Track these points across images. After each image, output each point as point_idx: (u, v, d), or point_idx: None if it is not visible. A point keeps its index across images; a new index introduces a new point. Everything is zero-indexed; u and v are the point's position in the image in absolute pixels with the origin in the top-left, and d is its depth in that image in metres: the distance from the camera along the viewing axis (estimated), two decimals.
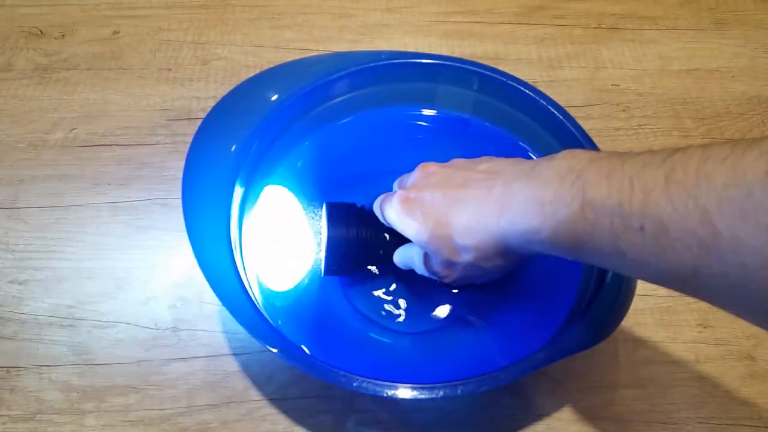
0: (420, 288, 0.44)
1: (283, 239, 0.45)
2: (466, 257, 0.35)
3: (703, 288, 0.24)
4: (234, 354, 0.44)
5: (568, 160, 0.29)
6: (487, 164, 0.35)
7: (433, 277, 0.39)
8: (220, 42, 0.61)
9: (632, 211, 0.25)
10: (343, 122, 0.49)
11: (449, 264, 0.36)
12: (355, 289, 0.44)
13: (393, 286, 0.44)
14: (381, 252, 0.42)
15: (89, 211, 0.50)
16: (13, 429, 0.40)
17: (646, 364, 0.44)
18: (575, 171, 0.28)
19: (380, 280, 0.44)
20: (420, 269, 0.40)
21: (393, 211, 0.37)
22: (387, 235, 0.41)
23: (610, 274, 0.38)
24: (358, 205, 0.43)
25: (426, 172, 0.38)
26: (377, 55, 0.46)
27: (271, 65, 0.45)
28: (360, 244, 0.41)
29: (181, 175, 0.40)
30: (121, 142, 0.54)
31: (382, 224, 0.41)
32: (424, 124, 0.50)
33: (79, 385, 0.42)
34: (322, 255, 0.41)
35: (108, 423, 0.41)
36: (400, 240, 0.40)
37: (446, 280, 0.38)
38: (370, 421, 0.41)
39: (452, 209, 0.34)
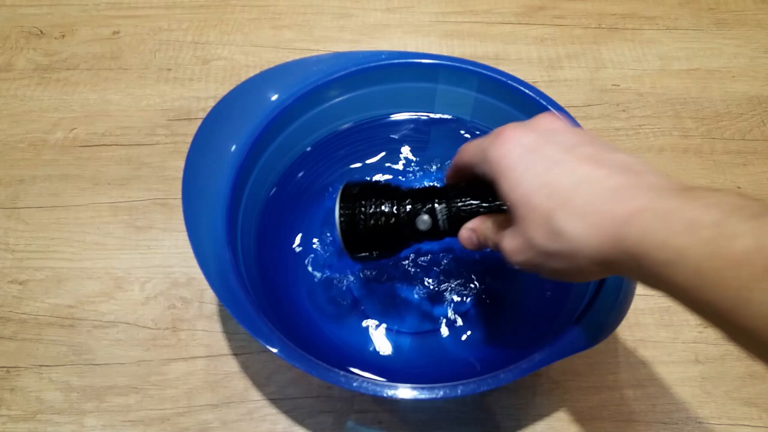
0: (421, 288, 0.44)
1: (282, 238, 0.45)
2: (555, 245, 0.28)
3: None
4: (234, 354, 0.44)
5: (733, 197, 0.24)
6: (623, 156, 0.28)
7: (496, 250, 0.32)
8: (220, 42, 0.61)
9: None
10: (343, 122, 0.49)
11: (528, 243, 0.29)
12: (356, 289, 0.44)
13: (395, 286, 0.44)
14: (407, 234, 0.37)
15: (89, 211, 0.50)
16: (13, 429, 0.40)
17: (646, 364, 0.44)
18: (748, 209, 0.23)
19: (382, 280, 0.44)
20: (492, 236, 0.32)
21: (503, 147, 0.29)
22: (410, 207, 0.36)
23: None
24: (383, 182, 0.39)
25: (552, 124, 0.31)
26: (377, 55, 0.46)
27: (271, 65, 0.45)
28: (383, 224, 0.36)
29: (181, 175, 0.40)
30: (121, 142, 0.54)
31: (406, 202, 0.36)
32: (423, 124, 0.50)
33: (79, 385, 0.42)
34: (341, 237, 0.37)
35: (108, 423, 0.41)
36: (426, 221, 0.35)
37: (515, 258, 0.30)
38: (370, 421, 0.41)
39: (574, 181, 0.27)
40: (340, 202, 0.37)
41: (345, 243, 0.37)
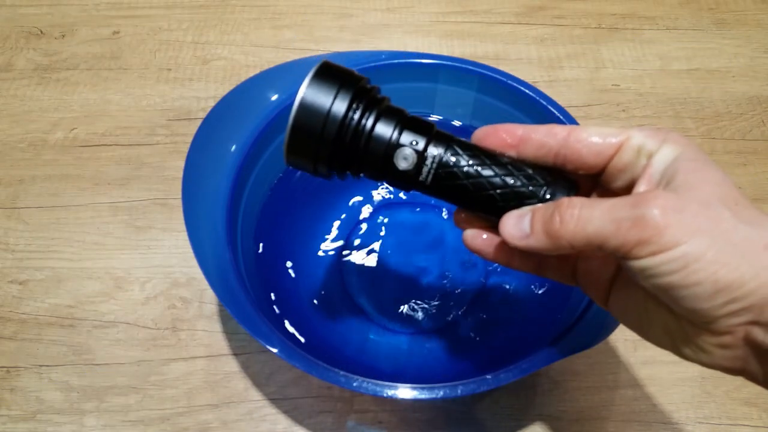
0: (422, 287, 0.44)
1: (283, 238, 0.45)
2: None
3: None
4: (234, 354, 0.44)
5: None
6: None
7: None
8: (220, 42, 0.61)
9: None
10: None
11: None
12: (356, 290, 0.44)
13: (395, 287, 0.44)
14: (378, 165, 0.28)
15: (89, 211, 0.50)
16: (13, 429, 0.40)
17: (646, 364, 0.44)
18: None
19: (382, 281, 0.44)
20: (620, 246, 0.23)
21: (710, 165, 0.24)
22: (396, 133, 0.28)
23: None
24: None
25: (697, 151, 0.25)
26: (377, 55, 0.46)
27: (271, 65, 0.45)
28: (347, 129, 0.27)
29: (181, 175, 0.40)
30: (121, 142, 0.54)
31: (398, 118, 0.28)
32: None
33: (79, 385, 0.42)
34: (289, 130, 0.27)
35: (108, 423, 0.41)
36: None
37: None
38: (370, 421, 0.41)
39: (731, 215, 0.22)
40: (311, 83, 0.27)
41: (291, 141, 0.27)
